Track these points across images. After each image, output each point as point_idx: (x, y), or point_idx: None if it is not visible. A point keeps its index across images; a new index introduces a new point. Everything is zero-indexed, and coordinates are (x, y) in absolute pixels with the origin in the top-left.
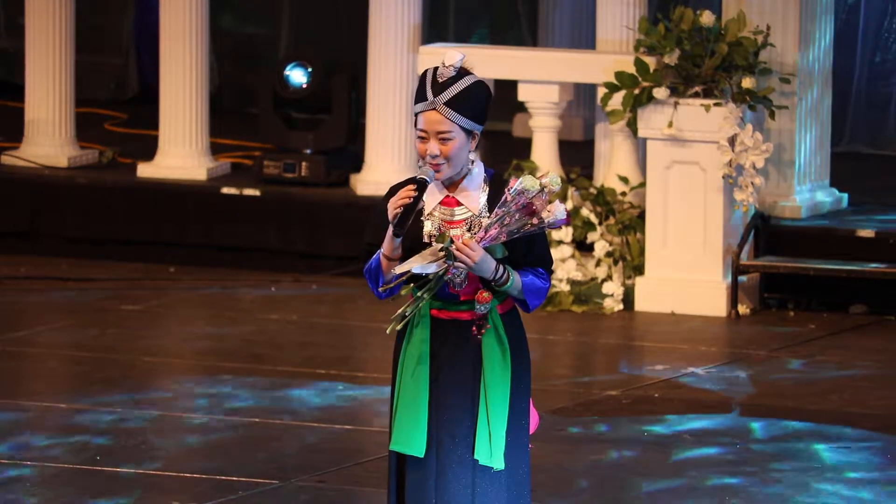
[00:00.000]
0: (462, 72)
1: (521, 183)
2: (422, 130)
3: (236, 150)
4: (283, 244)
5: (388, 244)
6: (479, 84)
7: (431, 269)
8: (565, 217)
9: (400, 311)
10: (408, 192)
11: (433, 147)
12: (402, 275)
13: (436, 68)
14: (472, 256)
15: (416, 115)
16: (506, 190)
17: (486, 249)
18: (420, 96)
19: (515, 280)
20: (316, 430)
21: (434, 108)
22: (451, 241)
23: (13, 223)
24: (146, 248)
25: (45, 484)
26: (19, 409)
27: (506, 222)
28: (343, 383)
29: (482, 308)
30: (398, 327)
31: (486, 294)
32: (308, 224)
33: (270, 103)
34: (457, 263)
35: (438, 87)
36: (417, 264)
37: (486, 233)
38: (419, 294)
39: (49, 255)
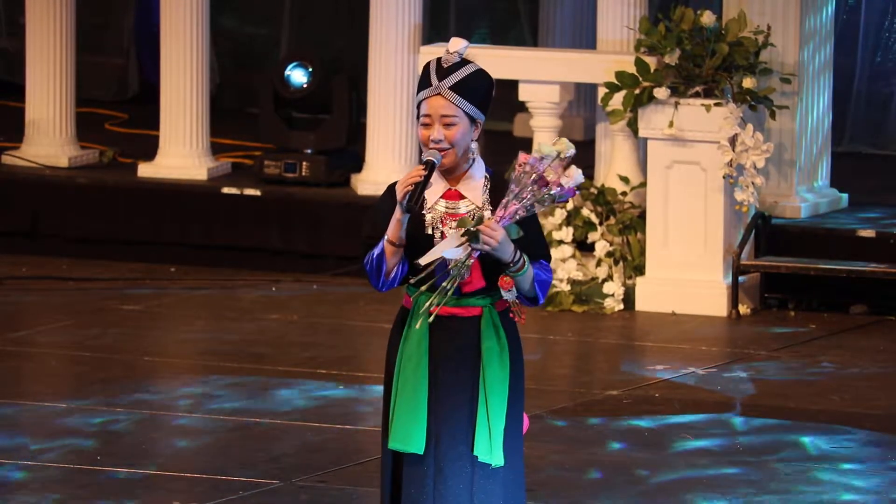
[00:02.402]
0: (466, 60)
1: (538, 150)
2: (426, 116)
3: (237, 150)
4: (283, 244)
5: (395, 228)
6: (483, 72)
7: (458, 253)
8: (582, 178)
9: (426, 305)
10: (417, 172)
11: (437, 132)
12: (428, 265)
13: (439, 58)
14: (494, 237)
15: (420, 102)
16: (518, 165)
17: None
18: (424, 83)
19: (529, 267)
20: (316, 430)
21: (439, 93)
22: (480, 220)
23: (14, 223)
24: (147, 247)
25: (45, 484)
26: (19, 409)
27: (523, 196)
28: (343, 383)
29: (509, 295)
30: (430, 320)
31: (507, 279)
32: (309, 224)
33: (271, 103)
34: (480, 246)
35: (443, 73)
36: (443, 251)
37: (504, 210)
38: (444, 285)
39: (50, 255)
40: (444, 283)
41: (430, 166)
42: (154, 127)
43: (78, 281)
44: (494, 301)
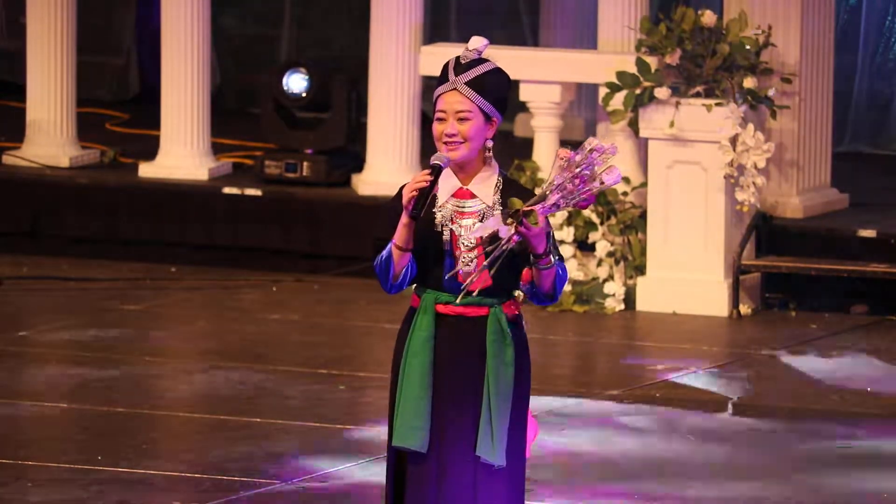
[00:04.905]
0: (485, 58)
1: (589, 143)
2: (440, 111)
3: (238, 150)
4: (284, 244)
5: (402, 233)
6: (501, 72)
7: (504, 232)
8: (620, 177)
9: (465, 284)
10: (423, 177)
11: (451, 126)
12: (479, 240)
13: (458, 55)
14: (539, 222)
15: (436, 98)
16: (560, 158)
17: None
18: (442, 79)
19: (555, 263)
20: (316, 429)
21: (455, 88)
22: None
23: (15, 223)
24: (147, 247)
25: (45, 484)
26: (19, 408)
27: (565, 188)
28: (344, 383)
29: (526, 288)
30: (458, 302)
31: (527, 271)
32: (309, 224)
33: (272, 103)
34: (523, 230)
35: (461, 69)
36: (489, 229)
37: (545, 201)
38: (485, 264)
39: (50, 255)
40: (485, 263)
41: (436, 170)
42: (155, 127)
43: (78, 281)
44: (501, 302)
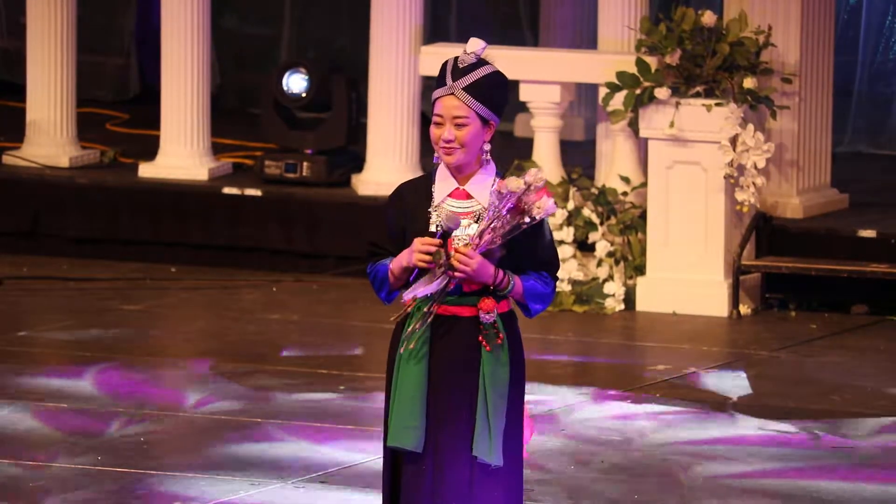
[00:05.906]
0: (483, 61)
1: (506, 186)
2: (438, 115)
3: (238, 150)
4: (284, 244)
5: (400, 272)
6: (498, 74)
7: (434, 287)
8: (554, 209)
9: (410, 329)
10: (428, 247)
11: (448, 132)
12: (412, 300)
13: (456, 57)
14: (469, 265)
15: (434, 101)
16: (490, 194)
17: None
18: (440, 82)
19: (516, 284)
20: (316, 430)
21: (452, 93)
22: (448, 256)
23: (15, 223)
24: (147, 247)
25: (45, 485)
26: (20, 409)
27: (497, 226)
28: (344, 383)
29: (488, 317)
30: (411, 346)
31: (488, 301)
32: (309, 224)
33: (272, 103)
34: (456, 274)
35: (458, 73)
36: (422, 288)
37: (480, 239)
38: (425, 310)
39: (50, 255)
40: (424, 308)
41: (444, 237)
42: (155, 127)
43: (78, 281)
44: (496, 301)
